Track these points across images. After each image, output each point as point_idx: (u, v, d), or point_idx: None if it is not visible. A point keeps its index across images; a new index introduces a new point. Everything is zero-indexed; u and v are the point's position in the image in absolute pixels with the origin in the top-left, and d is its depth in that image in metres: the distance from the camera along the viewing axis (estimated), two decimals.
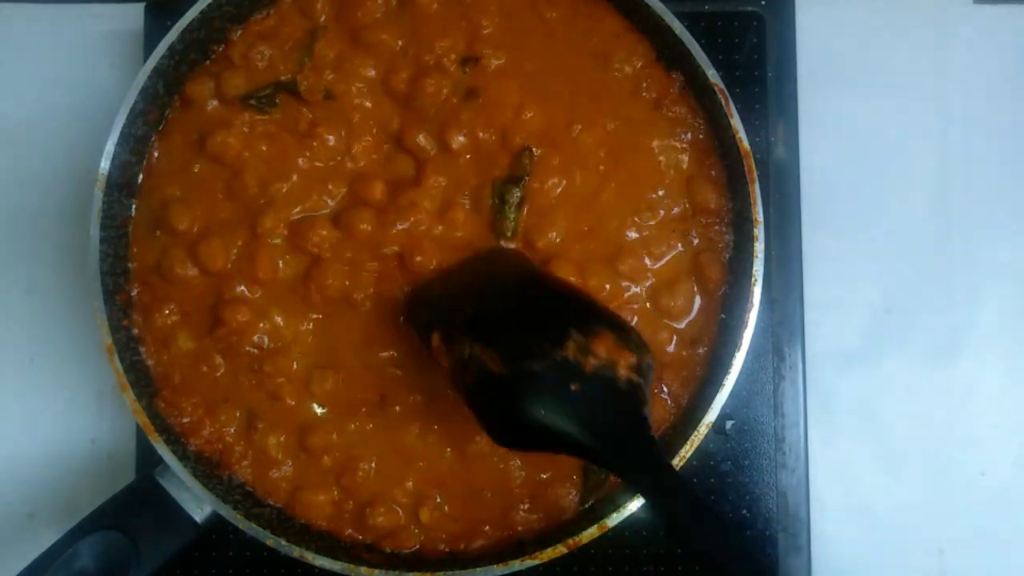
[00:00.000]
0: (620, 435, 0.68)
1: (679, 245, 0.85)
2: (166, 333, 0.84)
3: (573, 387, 0.68)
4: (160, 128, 0.87)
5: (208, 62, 0.87)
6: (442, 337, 0.73)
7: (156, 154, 0.87)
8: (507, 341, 0.70)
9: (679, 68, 0.87)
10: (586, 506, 0.83)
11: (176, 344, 0.84)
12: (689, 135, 0.87)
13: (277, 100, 0.86)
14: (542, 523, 0.83)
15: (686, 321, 0.85)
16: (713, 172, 0.86)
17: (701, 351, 0.85)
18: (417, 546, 0.83)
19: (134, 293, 0.85)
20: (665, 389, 0.84)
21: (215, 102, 0.86)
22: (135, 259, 0.85)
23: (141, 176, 0.86)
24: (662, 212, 0.85)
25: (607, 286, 0.84)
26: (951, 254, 0.99)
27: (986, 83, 1.02)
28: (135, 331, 0.84)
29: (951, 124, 1.01)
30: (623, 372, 0.69)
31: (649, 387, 0.71)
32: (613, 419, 0.68)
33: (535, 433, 0.67)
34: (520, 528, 0.83)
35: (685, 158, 0.86)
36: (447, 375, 0.73)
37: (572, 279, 0.83)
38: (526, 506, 0.83)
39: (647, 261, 0.85)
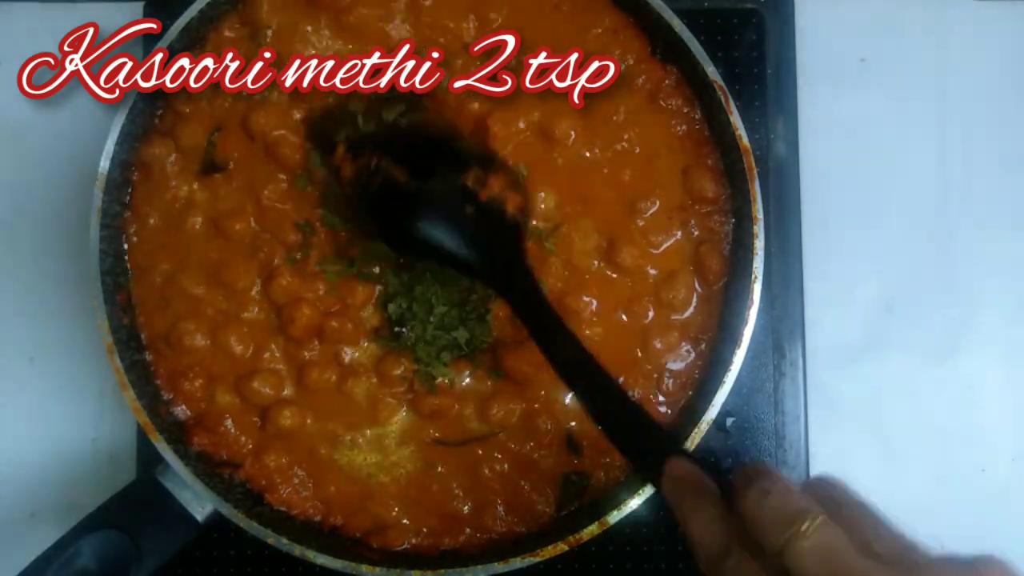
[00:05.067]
0: (501, 258, 0.77)
1: (678, 234, 0.85)
2: (198, 396, 0.84)
3: (468, 209, 0.77)
4: (128, 201, 0.86)
5: (157, 120, 0.87)
6: (348, 148, 0.81)
7: (133, 229, 0.86)
8: (414, 162, 0.79)
9: (675, 62, 0.87)
10: (561, 514, 0.83)
11: (215, 401, 0.84)
12: (685, 127, 0.87)
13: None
14: (517, 527, 0.83)
15: (687, 313, 0.85)
16: (710, 161, 0.86)
17: (702, 347, 0.85)
18: (405, 544, 0.83)
19: (149, 357, 0.85)
20: (662, 399, 0.85)
21: (173, 157, 0.86)
22: (145, 328, 0.85)
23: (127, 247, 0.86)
24: (658, 203, 0.85)
25: (613, 275, 0.85)
26: (951, 251, 0.99)
27: (986, 80, 1.02)
28: (167, 395, 0.84)
29: (951, 120, 1.01)
30: (511, 209, 0.79)
31: (526, 230, 0.81)
32: (497, 244, 0.78)
33: (426, 242, 0.77)
34: (498, 530, 0.83)
35: (681, 148, 0.86)
36: (345, 184, 0.80)
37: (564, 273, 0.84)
38: (500, 510, 0.83)
39: (647, 251, 0.85)
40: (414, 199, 0.77)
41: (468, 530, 0.83)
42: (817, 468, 0.94)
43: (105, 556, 0.75)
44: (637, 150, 0.86)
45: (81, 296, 0.91)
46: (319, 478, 0.84)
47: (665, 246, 0.85)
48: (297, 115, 0.85)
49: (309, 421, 0.84)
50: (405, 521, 0.83)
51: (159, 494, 0.79)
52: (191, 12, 0.83)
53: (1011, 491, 0.97)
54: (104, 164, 0.82)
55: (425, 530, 0.83)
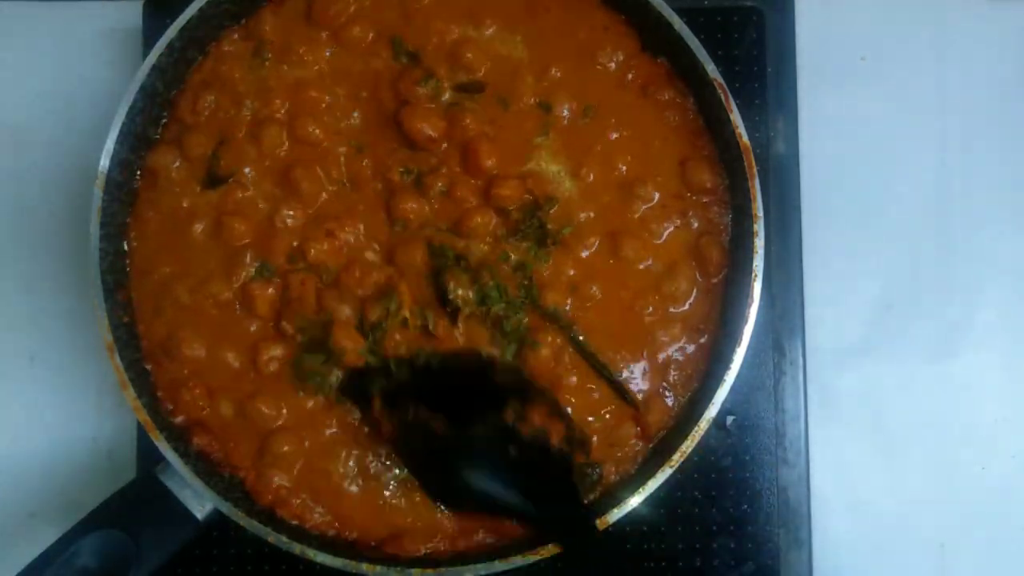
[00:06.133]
0: (552, 497, 0.75)
1: (678, 222, 0.86)
2: (200, 406, 0.84)
3: (512, 449, 0.76)
4: (131, 209, 0.86)
5: (161, 130, 0.87)
6: (384, 402, 0.79)
7: (133, 234, 0.86)
8: (452, 405, 0.77)
9: (665, 55, 0.87)
10: None
11: (219, 411, 0.84)
12: (678, 118, 0.87)
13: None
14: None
15: (689, 305, 0.85)
16: (706, 152, 0.86)
17: (702, 341, 0.85)
18: (422, 550, 0.82)
19: (149, 367, 0.85)
20: (668, 391, 0.85)
21: (178, 163, 0.86)
22: (144, 338, 0.85)
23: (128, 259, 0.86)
24: (657, 195, 0.86)
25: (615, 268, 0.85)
26: (951, 249, 0.99)
27: (986, 78, 1.02)
28: (168, 405, 0.84)
29: (951, 119, 1.01)
30: (555, 440, 0.78)
31: (577, 458, 0.80)
32: (547, 483, 0.76)
33: (476, 494, 0.75)
34: (513, 529, 0.82)
35: (676, 140, 0.86)
36: (389, 440, 0.79)
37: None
38: None
39: (648, 244, 0.85)
40: (455, 449, 0.77)
41: (481, 532, 0.83)
42: (817, 466, 0.94)
43: (105, 555, 0.75)
44: (631, 146, 0.87)
45: (81, 295, 0.91)
46: (329, 498, 0.84)
47: (665, 239, 0.86)
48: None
49: (307, 443, 0.84)
50: (421, 527, 0.83)
51: (159, 493, 0.79)
52: (191, 11, 0.83)
53: (1011, 489, 0.97)
54: (104, 163, 0.81)
55: (439, 535, 0.83)
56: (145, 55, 0.83)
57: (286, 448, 0.83)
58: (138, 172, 0.86)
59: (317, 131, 0.86)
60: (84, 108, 1.00)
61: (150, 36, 0.95)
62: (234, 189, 0.85)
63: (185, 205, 0.85)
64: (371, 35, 0.87)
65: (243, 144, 0.86)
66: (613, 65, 0.87)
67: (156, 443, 0.79)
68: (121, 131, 0.82)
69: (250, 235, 0.85)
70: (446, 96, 0.86)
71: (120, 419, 0.96)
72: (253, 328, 0.84)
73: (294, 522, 0.83)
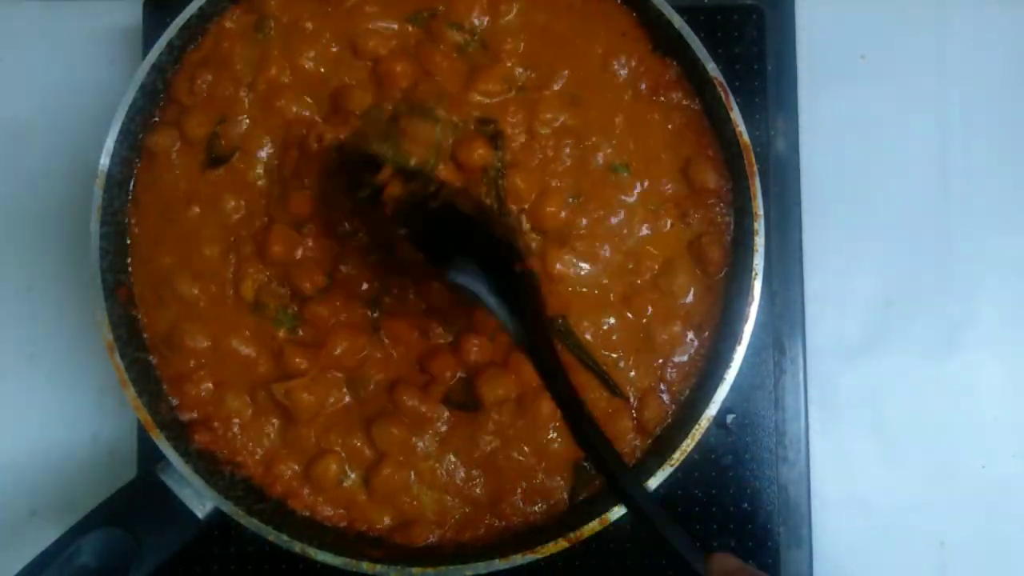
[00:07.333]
0: (528, 318, 0.74)
1: (674, 225, 0.86)
2: (205, 400, 0.84)
3: (517, 267, 0.76)
4: (131, 195, 0.86)
5: (158, 111, 0.87)
6: (397, 171, 0.79)
7: (134, 221, 0.86)
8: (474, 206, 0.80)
9: (675, 56, 0.87)
10: (578, 501, 0.83)
11: (225, 404, 0.84)
12: (685, 119, 0.87)
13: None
14: (532, 517, 0.83)
15: (688, 300, 0.85)
16: (711, 152, 0.86)
17: (704, 336, 0.85)
18: (429, 539, 0.83)
19: (154, 360, 0.85)
20: (664, 388, 0.85)
21: (178, 145, 0.86)
22: (147, 330, 0.85)
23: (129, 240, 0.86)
24: (661, 194, 0.86)
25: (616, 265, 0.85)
26: (952, 247, 0.99)
27: (986, 77, 1.02)
28: (174, 400, 0.84)
29: (951, 117, 1.01)
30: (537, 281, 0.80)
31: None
32: (523, 298, 0.76)
33: (467, 274, 0.74)
34: (515, 520, 0.83)
35: (681, 141, 0.86)
36: (389, 200, 0.78)
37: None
38: (516, 498, 0.83)
39: (648, 243, 0.86)
40: (479, 229, 0.79)
41: (488, 519, 0.83)
42: (817, 465, 0.94)
43: (106, 553, 0.75)
44: (636, 146, 0.86)
45: (81, 294, 0.91)
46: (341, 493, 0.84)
47: (665, 235, 0.86)
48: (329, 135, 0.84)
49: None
50: (429, 515, 0.83)
51: (160, 491, 0.79)
52: (191, 10, 0.83)
53: (1011, 487, 0.97)
54: (104, 162, 0.81)
55: (450, 523, 0.83)
56: (145, 54, 0.83)
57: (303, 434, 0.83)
58: (136, 156, 0.86)
59: (322, 69, 0.86)
60: (84, 107, 1.00)
61: (150, 35, 0.95)
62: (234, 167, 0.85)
63: (183, 188, 0.85)
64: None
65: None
66: (625, 71, 0.87)
67: (156, 442, 0.79)
68: (121, 130, 0.82)
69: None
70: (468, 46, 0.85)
71: (120, 418, 0.96)
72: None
73: (305, 513, 0.83)
